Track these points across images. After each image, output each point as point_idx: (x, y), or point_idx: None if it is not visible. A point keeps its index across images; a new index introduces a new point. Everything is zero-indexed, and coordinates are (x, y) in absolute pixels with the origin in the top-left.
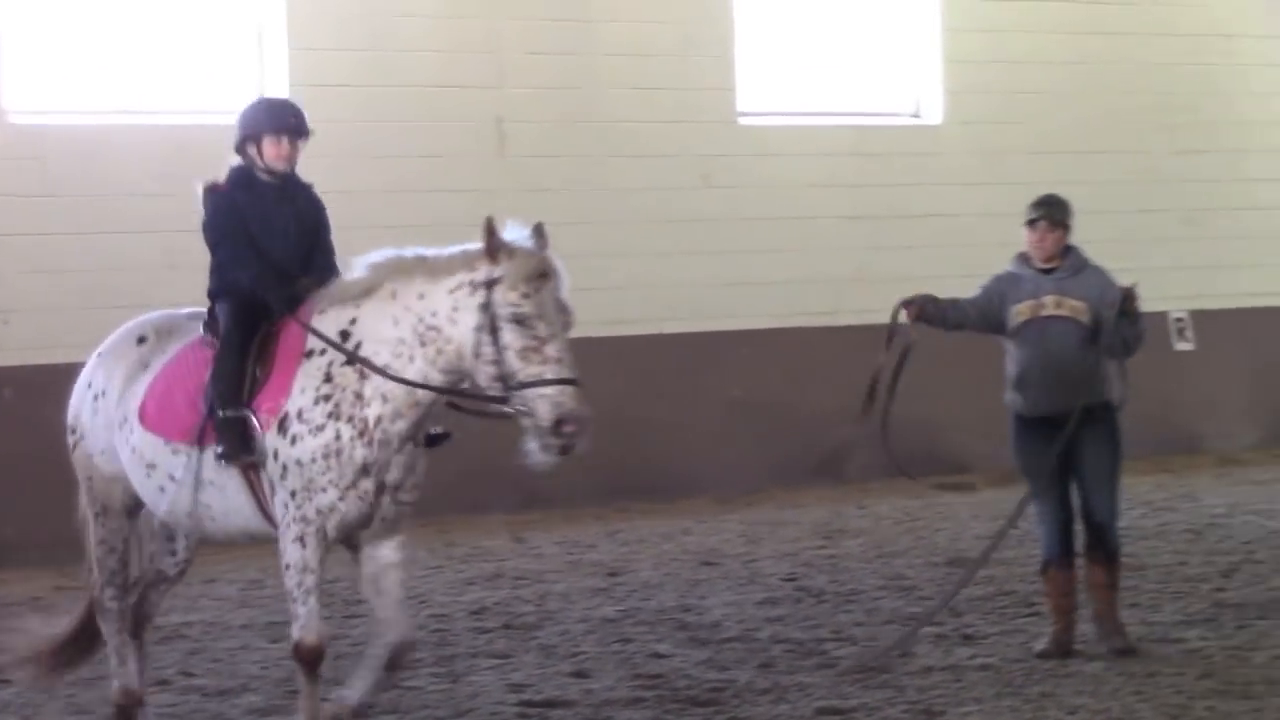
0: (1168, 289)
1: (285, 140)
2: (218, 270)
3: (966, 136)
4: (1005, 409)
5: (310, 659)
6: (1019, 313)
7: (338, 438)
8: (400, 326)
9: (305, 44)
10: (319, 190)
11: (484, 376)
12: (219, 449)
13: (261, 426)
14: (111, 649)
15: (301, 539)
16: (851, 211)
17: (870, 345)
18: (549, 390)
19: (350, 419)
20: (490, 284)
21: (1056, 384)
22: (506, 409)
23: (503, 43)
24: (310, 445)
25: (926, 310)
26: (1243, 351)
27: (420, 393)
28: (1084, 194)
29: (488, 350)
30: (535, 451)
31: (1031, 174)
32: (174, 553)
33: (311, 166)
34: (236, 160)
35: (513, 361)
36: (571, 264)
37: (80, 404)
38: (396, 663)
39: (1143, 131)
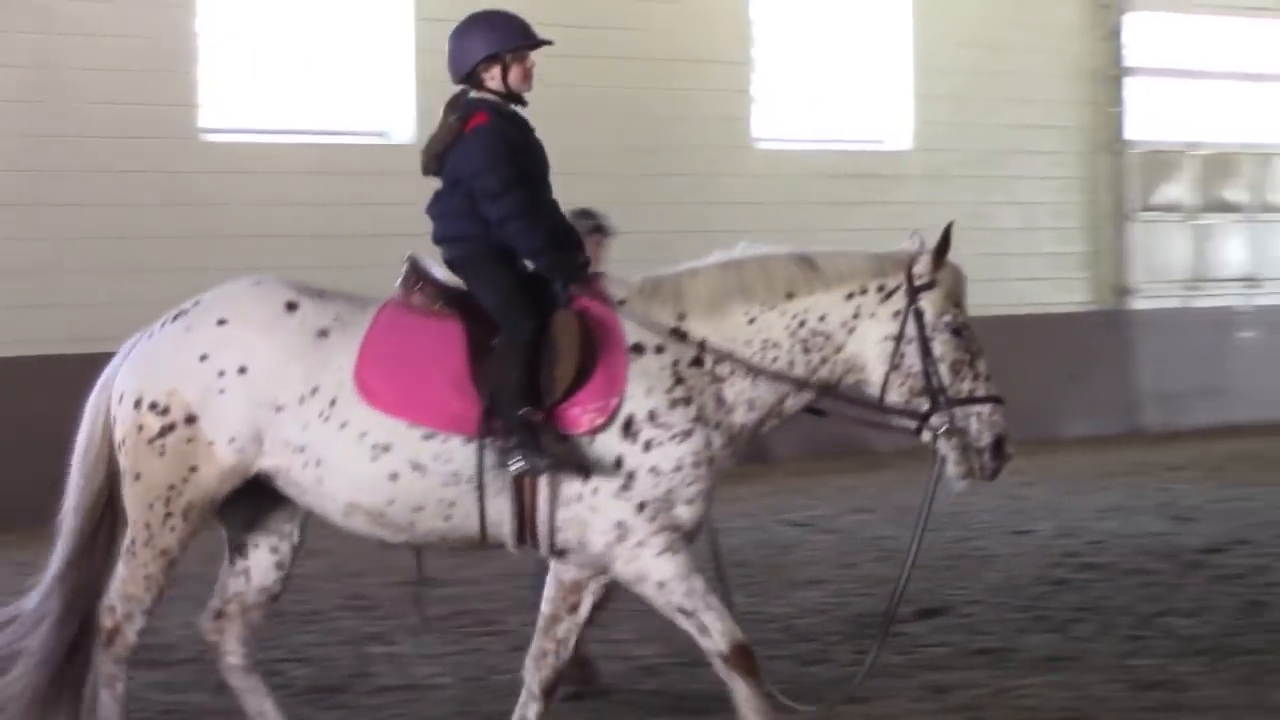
0: None
1: (529, 57)
2: (492, 224)
3: None
4: None
5: (748, 660)
6: None
7: (708, 445)
8: (763, 326)
9: None
10: None
11: (902, 391)
12: (522, 455)
13: (577, 425)
14: (112, 713)
15: (671, 549)
16: (318, 230)
17: None
18: (985, 409)
19: (718, 425)
20: (917, 291)
21: None
22: (912, 425)
23: None
24: (674, 452)
25: None
26: None
27: (789, 402)
28: None
29: (912, 363)
30: (959, 473)
31: None
32: (280, 565)
33: None
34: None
35: (945, 376)
36: (32, 281)
37: (186, 379)
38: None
39: (613, 155)
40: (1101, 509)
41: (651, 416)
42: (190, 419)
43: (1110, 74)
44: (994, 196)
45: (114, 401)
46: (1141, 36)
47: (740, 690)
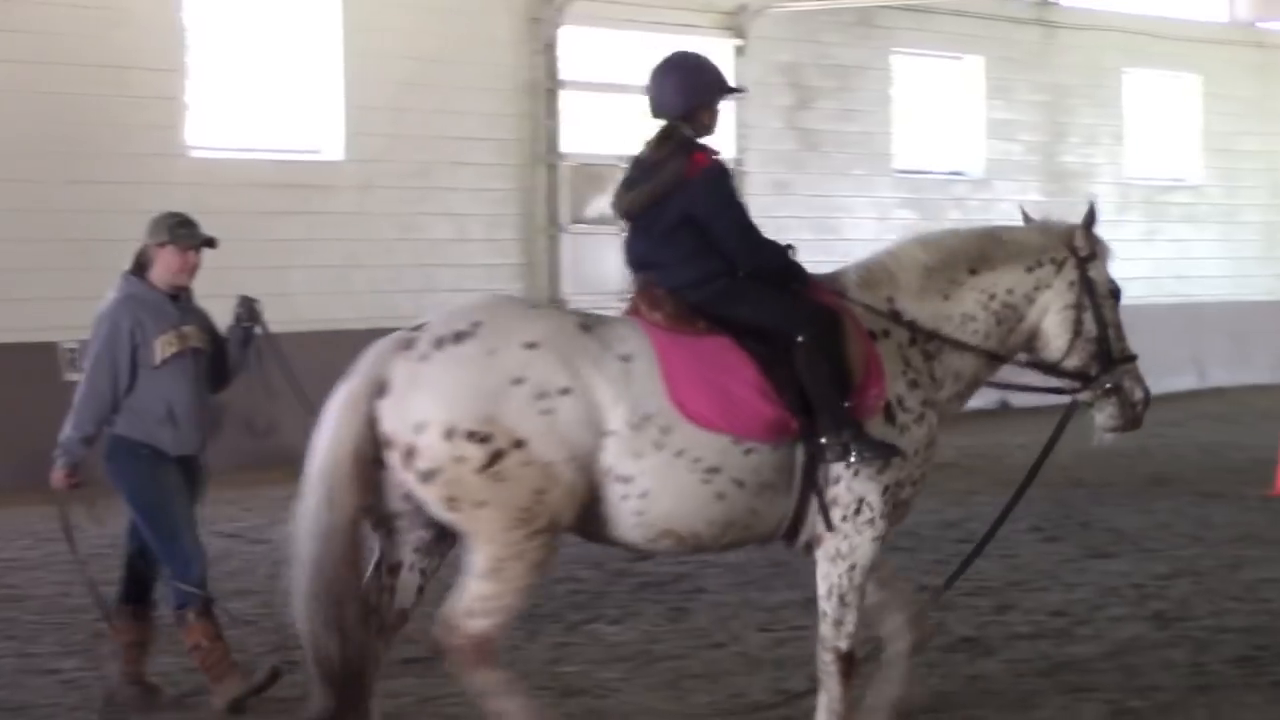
0: (57, 319)
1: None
2: (742, 256)
3: None
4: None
5: (852, 667)
6: (168, 344)
7: (933, 426)
8: (957, 302)
9: None
10: None
11: (1083, 356)
12: (858, 446)
13: (866, 413)
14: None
15: (882, 539)
16: None
17: None
18: (1133, 366)
19: (934, 405)
20: (1084, 262)
21: (200, 419)
22: (1072, 386)
23: None
24: (916, 436)
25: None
26: None
27: (984, 373)
28: None
29: (1091, 328)
30: (1116, 425)
31: None
32: (421, 589)
33: None
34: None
35: (1113, 339)
36: None
37: (503, 404)
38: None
39: (34, 160)
40: None
41: (900, 401)
42: (518, 443)
43: (545, 87)
44: (427, 208)
45: (408, 432)
46: (574, 51)
47: (833, 691)
